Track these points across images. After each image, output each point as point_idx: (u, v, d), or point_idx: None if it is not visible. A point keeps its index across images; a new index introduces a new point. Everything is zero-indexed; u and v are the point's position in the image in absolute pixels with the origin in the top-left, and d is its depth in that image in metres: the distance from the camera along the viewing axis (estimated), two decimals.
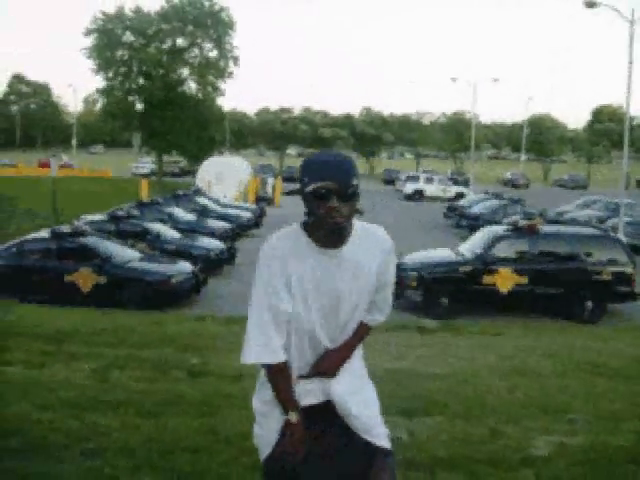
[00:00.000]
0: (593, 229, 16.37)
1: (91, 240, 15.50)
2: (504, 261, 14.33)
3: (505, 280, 14.16)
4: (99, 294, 14.43)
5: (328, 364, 2.72)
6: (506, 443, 5.15)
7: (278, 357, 2.62)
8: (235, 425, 5.45)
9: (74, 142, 77.71)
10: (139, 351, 8.51)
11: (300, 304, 2.63)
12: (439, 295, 14.13)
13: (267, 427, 2.75)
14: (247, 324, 2.70)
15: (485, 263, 14.17)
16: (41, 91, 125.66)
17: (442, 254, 15.75)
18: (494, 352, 8.85)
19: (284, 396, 2.67)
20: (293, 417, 2.65)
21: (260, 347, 2.62)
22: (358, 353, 2.87)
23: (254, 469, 4.55)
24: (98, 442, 4.98)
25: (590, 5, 24.47)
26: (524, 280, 14.16)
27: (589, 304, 14.20)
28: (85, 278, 14.60)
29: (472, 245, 15.23)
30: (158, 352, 8.53)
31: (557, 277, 14.35)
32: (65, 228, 15.98)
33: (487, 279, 14.10)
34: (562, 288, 14.23)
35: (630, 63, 24.44)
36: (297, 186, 2.64)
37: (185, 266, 15.50)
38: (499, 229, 15.69)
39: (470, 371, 7.40)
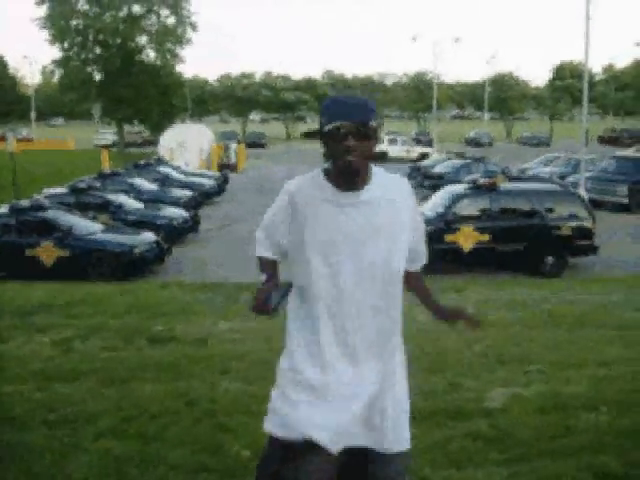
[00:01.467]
0: (553, 185, 16.61)
1: (52, 213, 15.36)
2: (465, 219, 14.48)
3: (467, 238, 14.31)
4: (62, 268, 14.35)
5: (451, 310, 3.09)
6: (464, 395, 5.28)
7: (263, 253, 2.83)
8: (199, 388, 5.52)
9: (33, 115, 76.20)
10: (103, 321, 8.51)
11: (310, 246, 2.60)
12: None
13: (284, 400, 2.68)
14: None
15: (447, 222, 14.30)
16: None
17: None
18: (455, 306, 8.97)
19: (262, 268, 2.83)
20: (262, 277, 2.77)
21: (257, 243, 2.85)
22: (397, 342, 2.87)
23: (218, 429, 4.65)
24: (62, 412, 5.02)
25: None
26: (486, 238, 14.32)
27: (550, 259, 14.44)
28: (47, 252, 14.49)
29: (434, 205, 15.33)
30: (122, 321, 8.54)
31: (518, 233, 14.54)
32: (25, 202, 15.83)
33: (449, 238, 14.25)
34: (523, 244, 14.43)
35: (588, 19, 24.54)
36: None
37: (148, 236, 15.44)
38: (460, 188, 15.83)
39: (430, 327, 7.51)
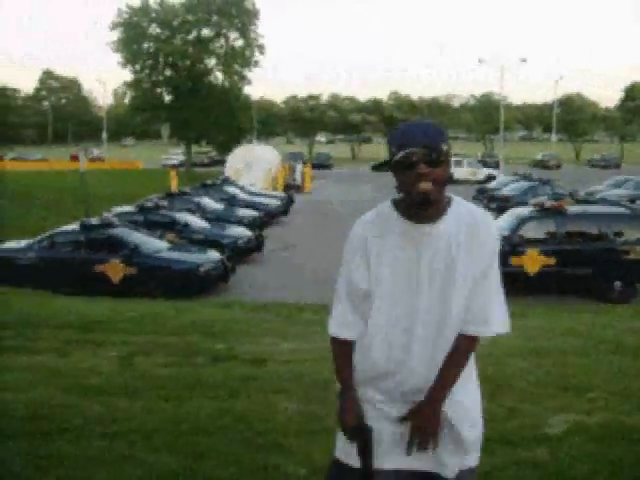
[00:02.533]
0: (621, 208, 16.20)
1: (119, 231, 15.74)
2: (531, 242, 14.25)
3: (532, 262, 14.07)
4: (129, 284, 14.66)
5: (422, 420, 2.55)
6: (523, 422, 5.16)
7: (341, 332, 2.63)
8: (255, 407, 5.54)
9: (104, 135, 78.34)
10: (165, 338, 8.64)
11: (377, 283, 2.54)
12: None
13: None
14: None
15: (512, 245, 14.08)
16: (71, 86, 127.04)
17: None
18: (517, 333, 8.80)
19: (338, 369, 2.67)
20: (337, 387, 2.67)
21: (332, 319, 2.67)
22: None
23: (268, 450, 4.65)
24: (119, 425, 5.10)
25: None
26: (552, 261, 14.06)
27: (618, 284, 14.08)
28: (115, 269, 14.83)
29: (499, 227, 15.13)
30: (184, 339, 8.66)
31: (585, 257, 14.22)
32: (94, 220, 16.26)
33: (514, 261, 14.02)
34: (590, 268, 14.11)
35: None
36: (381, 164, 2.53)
37: (213, 255, 15.67)
38: (525, 210, 15.58)
39: (492, 352, 7.38)
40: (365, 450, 2.57)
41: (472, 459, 2.70)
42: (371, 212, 2.64)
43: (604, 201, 24.95)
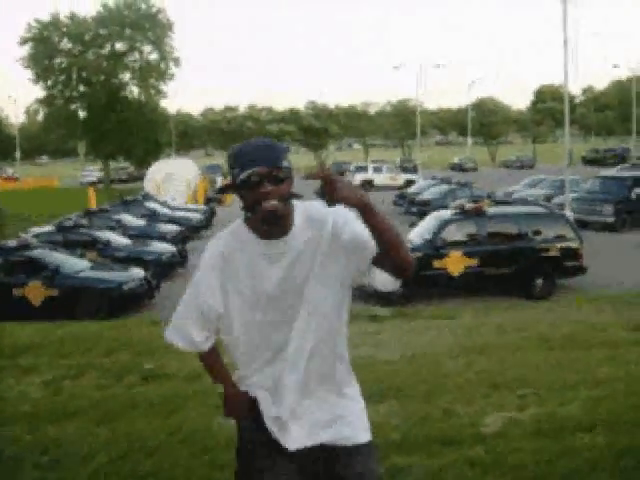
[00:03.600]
0: (538, 207, 16.70)
1: (39, 252, 15.26)
2: (453, 245, 14.52)
3: (456, 263, 14.34)
4: (51, 307, 14.22)
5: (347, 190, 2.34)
6: (459, 422, 5.26)
7: (199, 347, 2.70)
8: (193, 424, 5.46)
9: (17, 154, 76.26)
10: (93, 359, 8.43)
11: (239, 301, 2.57)
12: None
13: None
14: (177, 307, 2.72)
15: (435, 248, 14.33)
16: None
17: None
18: (447, 334, 8.98)
19: (211, 373, 2.81)
20: (219, 389, 2.77)
21: (184, 334, 2.68)
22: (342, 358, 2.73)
23: (214, 466, 4.59)
24: (54, 453, 4.95)
25: None
26: (474, 262, 14.36)
27: (539, 281, 14.49)
28: (35, 291, 14.37)
29: (421, 231, 15.39)
30: (113, 359, 8.47)
31: (506, 257, 14.60)
32: (11, 242, 15.72)
33: (438, 263, 14.26)
34: (512, 267, 14.49)
35: (565, 43, 24.88)
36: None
37: (137, 272, 15.35)
38: (446, 213, 15.87)
39: (423, 354, 7.50)
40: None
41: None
42: (225, 231, 2.67)
43: (522, 201, 25.76)
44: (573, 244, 14.84)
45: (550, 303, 13.02)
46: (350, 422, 2.69)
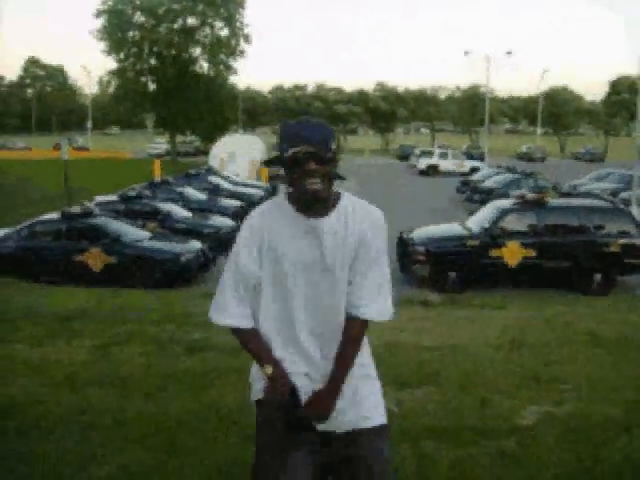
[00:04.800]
0: (602, 201, 16.27)
1: (100, 220, 15.62)
2: (512, 234, 14.27)
3: (513, 254, 14.10)
4: (110, 274, 14.56)
5: (318, 407, 2.67)
6: (494, 412, 5.20)
7: (244, 322, 2.70)
8: (229, 398, 5.53)
9: (89, 124, 77.87)
10: (142, 328, 8.61)
11: (277, 273, 2.64)
12: (446, 269, 14.09)
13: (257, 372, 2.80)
14: (218, 287, 2.78)
15: (492, 237, 14.11)
16: (56, 74, 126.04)
17: (450, 228, 15.69)
18: (494, 324, 8.88)
19: (256, 353, 2.72)
20: (268, 370, 2.66)
21: (227, 311, 2.71)
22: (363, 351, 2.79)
23: (244, 440, 4.64)
24: (93, 416, 5.09)
25: None
26: (532, 253, 14.09)
27: (598, 277, 14.15)
28: (95, 258, 14.72)
29: (480, 219, 15.17)
30: (161, 328, 8.63)
31: (565, 250, 14.27)
32: (75, 209, 16.10)
33: (495, 253, 14.04)
34: (570, 261, 14.17)
35: None
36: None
37: (194, 244, 15.59)
38: (506, 202, 15.61)
39: (468, 343, 7.43)
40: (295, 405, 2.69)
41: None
42: (266, 204, 2.76)
43: (587, 194, 25.18)
44: (636, 241, 14.42)
45: (607, 300, 12.69)
46: (369, 404, 2.76)
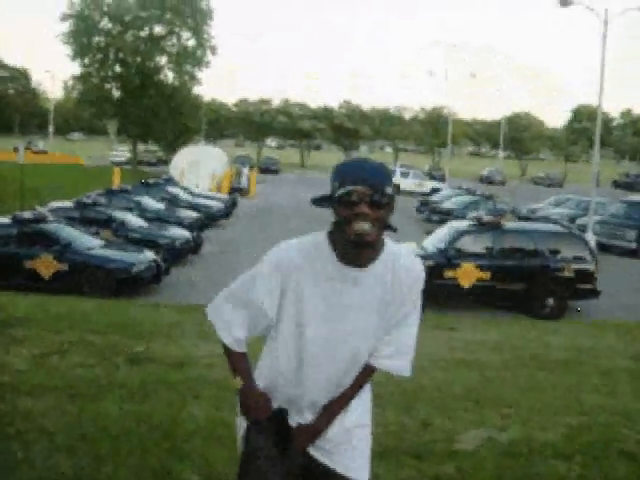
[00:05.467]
0: (557, 226, 16.44)
1: (52, 226, 15.33)
2: (466, 256, 14.33)
3: (467, 275, 14.16)
4: (60, 281, 14.30)
5: (303, 436, 2.59)
6: (434, 436, 5.12)
7: (238, 345, 2.57)
8: (164, 412, 5.38)
9: (51, 128, 76.98)
10: (85, 337, 8.38)
11: (293, 321, 2.48)
12: None
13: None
14: (227, 290, 2.63)
15: (447, 258, 14.15)
16: (19, 76, 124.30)
17: (406, 247, 15.68)
18: (443, 345, 8.83)
19: (234, 367, 2.60)
20: (237, 384, 2.57)
21: (226, 326, 2.56)
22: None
23: (172, 453, 4.52)
24: (19, 425, 4.90)
25: (564, 3, 24.50)
26: (486, 275, 14.16)
27: (550, 301, 14.25)
28: (46, 265, 14.45)
29: (436, 239, 15.22)
30: (105, 339, 8.42)
31: (519, 273, 14.37)
32: (27, 214, 15.80)
33: (449, 273, 14.09)
34: (524, 284, 14.26)
35: (603, 65, 24.47)
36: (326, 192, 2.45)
37: (147, 255, 15.37)
38: (463, 224, 15.71)
39: (414, 363, 7.37)
40: (284, 432, 2.60)
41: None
42: (304, 239, 2.52)
43: (545, 219, 25.50)
44: (589, 266, 14.57)
45: (558, 324, 12.76)
46: (354, 454, 2.67)
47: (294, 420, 2.60)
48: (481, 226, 14.97)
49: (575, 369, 7.85)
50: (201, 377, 6.56)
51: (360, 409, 2.69)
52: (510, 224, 15.48)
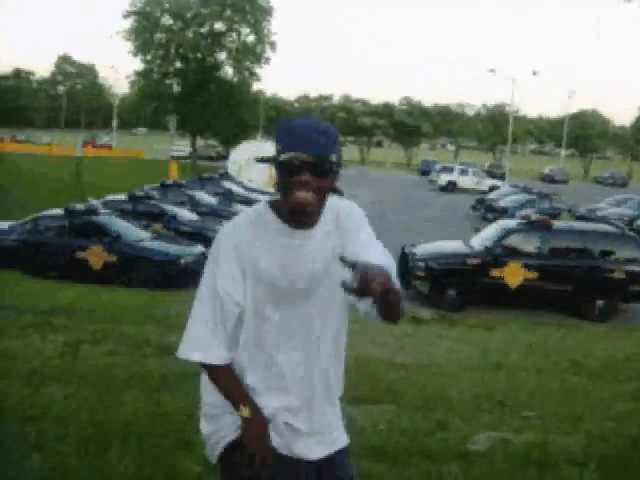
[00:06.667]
0: (609, 226, 16.02)
1: (103, 218, 15.63)
2: (514, 255, 14.08)
3: (514, 274, 13.89)
4: (109, 272, 14.57)
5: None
6: (448, 436, 5.04)
7: (218, 357, 2.34)
8: (180, 402, 5.41)
9: (115, 123, 78.58)
10: (120, 327, 8.54)
11: (257, 294, 2.33)
12: (446, 287, 13.91)
13: (222, 422, 2.43)
14: (189, 317, 2.41)
15: (494, 256, 13.92)
16: (87, 72, 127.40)
17: (453, 245, 15.50)
18: (478, 345, 8.70)
19: (230, 393, 2.36)
20: (245, 412, 2.32)
21: (199, 345, 2.34)
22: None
23: (180, 444, 4.54)
24: (35, 411, 5.01)
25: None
26: (533, 275, 13.88)
27: (600, 303, 13.89)
28: (96, 255, 14.73)
29: (483, 238, 14.97)
30: (139, 329, 8.56)
31: (567, 274, 14.03)
32: (79, 206, 16.15)
33: (495, 272, 13.85)
34: (572, 285, 13.93)
35: None
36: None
37: (196, 248, 15.56)
38: (511, 222, 15.44)
39: (441, 363, 7.28)
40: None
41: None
42: (244, 214, 2.43)
43: (602, 219, 24.86)
44: None
45: (604, 328, 12.41)
46: (338, 426, 2.54)
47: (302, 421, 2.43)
48: (530, 224, 14.68)
49: (612, 376, 7.61)
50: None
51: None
52: (559, 223, 15.17)
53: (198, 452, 4.32)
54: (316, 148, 2.17)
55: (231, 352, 2.36)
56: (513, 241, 14.41)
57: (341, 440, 2.53)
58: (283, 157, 2.18)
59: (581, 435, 5.26)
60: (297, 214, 2.25)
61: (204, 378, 2.46)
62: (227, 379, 2.36)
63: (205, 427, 2.49)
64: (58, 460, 4.16)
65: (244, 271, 2.30)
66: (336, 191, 2.33)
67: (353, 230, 2.38)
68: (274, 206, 2.35)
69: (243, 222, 2.37)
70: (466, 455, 4.70)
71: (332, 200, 2.38)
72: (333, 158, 2.20)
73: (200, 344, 2.33)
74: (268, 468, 2.34)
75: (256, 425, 2.34)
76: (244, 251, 2.30)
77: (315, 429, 2.45)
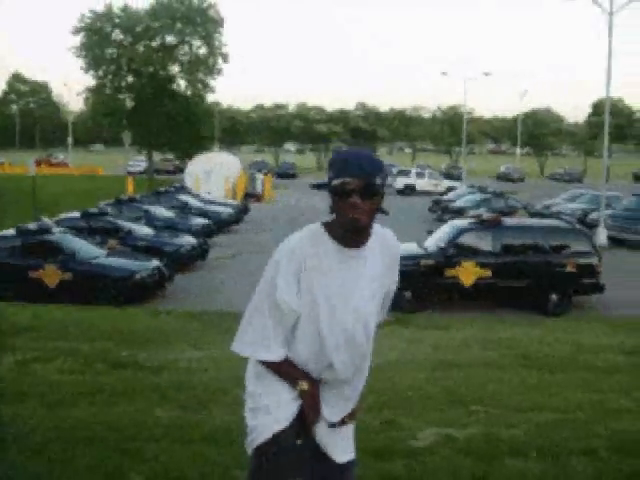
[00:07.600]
0: (558, 221, 16.32)
1: (57, 237, 15.50)
2: (467, 254, 14.26)
3: (468, 273, 14.09)
4: (65, 291, 14.44)
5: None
6: (395, 434, 5.12)
7: (276, 355, 2.67)
8: (131, 415, 5.45)
9: (70, 141, 77.84)
10: (73, 345, 8.50)
11: (313, 304, 2.63)
12: (401, 289, 13.96)
13: (263, 421, 2.72)
14: (245, 316, 2.72)
15: (447, 256, 14.09)
16: (40, 90, 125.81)
17: (407, 248, 15.62)
18: (431, 344, 8.82)
19: (289, 375, 2.70)
20: (304, 385, 2.67)
21: (257, 342, 2.67)
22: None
23: (127, 454, 4.56)
24: None
25: None
26: (487, 273, 14.08)
27: (553, 297, 14.13)
28: (50, 274, 14.60)
29: (437, 238, 15.14)
30: (93, 346, 8.53)
31: (520, 270, 14.26)
32: (31, 225, 16.00)
33: (450, 272, 14.03)
34: (526, 281, 14.17)
35: (610, 55, 24.32)
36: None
37: (151, 262, 15.49)
38: (463, 222, 15.63)
39: (393, 363, 7.36)
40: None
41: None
42: (302, 232, 2.71)
43: (556, 215, 25.25)
44: (591, 260, 14.44)
45: (560, 321, 12.63)
46: (350, 438, 2.92)
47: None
48: (481, 223, 14.89)
49: (567, 366, 7.77)
50: (177, 381, 6.61)
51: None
52: (510, 221, 15.40)
53: (147, 462, 4.39)
54: (364, 174, 2.51)
55: (286, 348, 2.70)
56: (466, 240, 14.60)
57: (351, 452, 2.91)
58: (334, 183, 2.53)
59: (527, 426, 5.38)
60: (353, 234, 2.60)
61: (249, 370, 2.79)
62: (286, 368, 2.69)
63: (250, 420, 2.77)
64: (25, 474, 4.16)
65: (299, 279, 2.61)
66: (383, 211, 2.64)
67: (397, 266, 2.84)
68: (327, 226, 2.67)
69: (303, 236, 2.68)
70: (409, 452, 4.78)
71: (377, 227, 2.75)
72: (378, 181, 2.55)
73: (264, 345, 2.66)
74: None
75: (313, 394, 2.69)
76: (303, 259, 2.61)
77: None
